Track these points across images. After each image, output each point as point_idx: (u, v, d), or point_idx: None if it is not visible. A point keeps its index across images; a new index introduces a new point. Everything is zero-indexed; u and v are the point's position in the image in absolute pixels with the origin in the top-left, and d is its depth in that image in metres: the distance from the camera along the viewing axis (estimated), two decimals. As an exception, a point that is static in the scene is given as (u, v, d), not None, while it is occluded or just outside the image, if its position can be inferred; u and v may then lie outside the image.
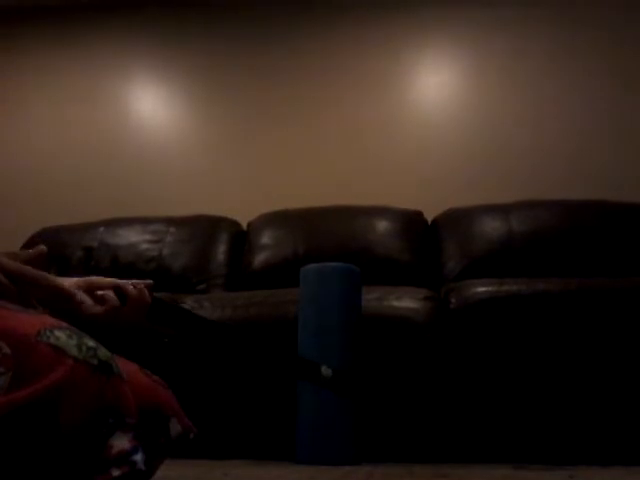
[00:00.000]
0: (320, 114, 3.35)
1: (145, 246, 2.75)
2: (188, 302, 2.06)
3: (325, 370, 1.35)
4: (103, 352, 0.71)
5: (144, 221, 2.88)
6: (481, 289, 1.96)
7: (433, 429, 1.86)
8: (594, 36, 3.18)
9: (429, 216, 2.80)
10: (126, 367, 0.82)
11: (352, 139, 3.30)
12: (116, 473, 0.66)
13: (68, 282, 0.95)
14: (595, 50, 3.17)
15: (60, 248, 2.73)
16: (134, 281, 1.08)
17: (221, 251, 2.78)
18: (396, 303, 1.95)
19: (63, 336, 0.69)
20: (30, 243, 2.73)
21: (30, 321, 0.70)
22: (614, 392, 1.83)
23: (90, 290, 1.02)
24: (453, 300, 1.95)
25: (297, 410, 1.70)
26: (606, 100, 3.11)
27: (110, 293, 1.06)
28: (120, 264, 2.68)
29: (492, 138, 3.16)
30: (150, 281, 1.10)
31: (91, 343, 0.71)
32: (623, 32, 3.16)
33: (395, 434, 1.86)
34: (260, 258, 2.68)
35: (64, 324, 0.73)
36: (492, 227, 2.59)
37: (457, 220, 2.71)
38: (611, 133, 3.07)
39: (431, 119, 3.26)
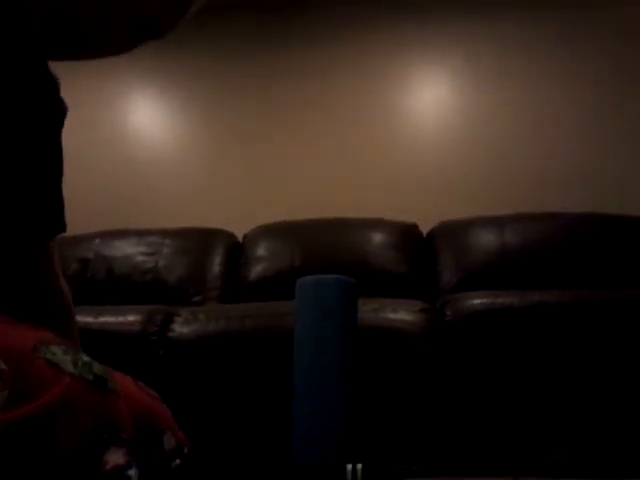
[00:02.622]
0: (316, 127, 3.36)
1: (141, 258, 2.75)
2: (183, 314, 2.05)
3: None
4: (98, 367, 0.71)
5: (140, 233, 2.88)
6: (476, 301, 1.96)
7: (430, 441, 1.85)
8: (592, 49, 3.20)
9: (424, 228, 2.80)
10: (120, 380, 0.82)
11: (348, 152, 3.31)
12: None
13: None
14: (595, 64, 3.18)
15: (55, 260, 2.72)
16: None
17: (217, 263, 2.78)
18: (392, 315, 1.95)
19: (59, 351, 0.69)
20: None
21: (25, 335, 0.70)
22: (611, 403, 1.83)
23: None
24: (448, 312, 1.95)
25: (292, 424, 1.70)
26: (603, 113, 3.12)
27: None
28: (116, 276, 2.68)
29: (488, 151, 3.17)
30: None
31: (86, 358, 0.71)
32: (623, 43, 3.17)
33: (391, 446, 1.86)
34: (256, 270, 2.68)
35: (59, 339, 0.73)
36: (487, 239, 2.60)
37: (452, 232, 2.71)
38: (607, 146, 3.08)
39: (427, 132, 3.27)
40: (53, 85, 0.95)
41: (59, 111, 0.96)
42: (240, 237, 2.94)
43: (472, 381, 1.86)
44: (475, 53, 3.30)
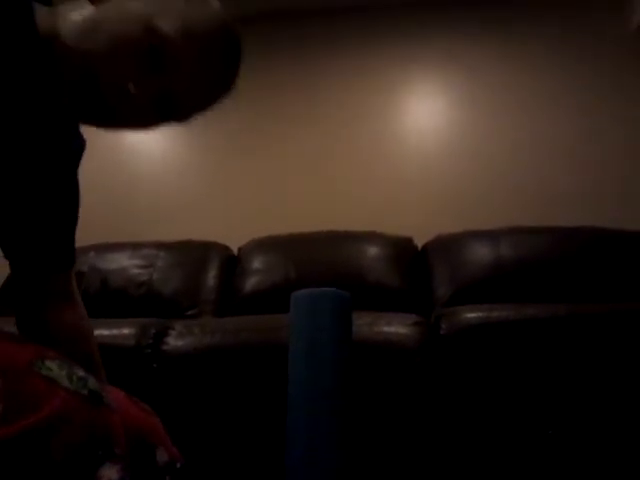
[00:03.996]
0: (312, 140, 3.38)
1: (135, 271, 2.74)
2: (178, 327, 2.05)
3: None
4: (92, 382, 0.71)
5: (134, 246, 2.87)
6: (471, 315, 1.96)
7: (424, 454, 1.85)
8: (592, 63, 3.22)
9: (419, 242, 2.81)
10: (114, 394, 0.82)
11: (343, 165, 3.32)
12: None
13: None
14: (595, 79, 3.21)
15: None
16: None
17: (212, 276, 2.78)
18: (386, 328, 1.95)
19: (54, 366, 0.69)
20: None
21: (21, 351, 0.71)
22: (607, 416, 1.82)
23: None
24: (443, 326, 1.95)
25: (287, 438, 1.69)
26: (602, 128, 3.15)
27: None
28: (110, 289, 2.67)
29: (484, 165, 3.19)
30: None
31: (81, 373, 0.71)
32: (623, 59, 3.20)
33: (385, 461, 1.85)
34: (251, 283, 2.68)
35: (53, 353, 0.73)
36: (481, 253, 2.61)
37: (447, 246, 2.72)
38: (605, 160, 3.10)
39: (422, 147, 3.29)
40: (75, 123, 0.99)
41: (79, 148, 1.04)
42: (235, 250, 2.94)
43: (467, 394, 1.86)
44: (473, 68, 3.33)
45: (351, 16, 3.46)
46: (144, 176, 3.43)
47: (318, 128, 3.39)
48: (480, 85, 3.31)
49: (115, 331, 1.97)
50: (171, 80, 0.82)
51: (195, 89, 0.86)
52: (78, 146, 1.04)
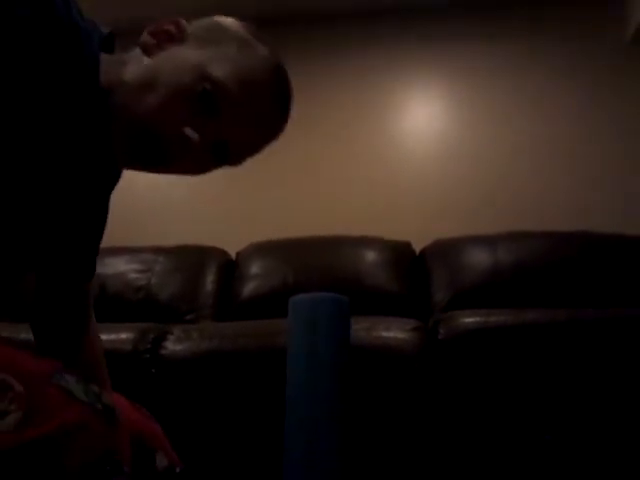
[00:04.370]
0: (310, 144, 3.38)
1: (133, 275, 2.74)
2: (176, 332, 2.05)
3: None
4: (106, 398, 0.73)
5: (133, 251, 2.87)
6: (469, 320, 1.97)
7: (422, 460, 1.85)
8: (591, 69, 3.24)
9: (417, 247, 2.81)
10: (116, 401, 0.82)
11: (341, 170, 3.33)
12: None
13: None
14: (594, 84, 3.22)
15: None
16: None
17: (210, 281, 2.78)
18: (385, 333, 1.95)
19: (72, 380, 0.72)
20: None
21: (42, 363, 0.74)
22: (604, 422, 1.83)
23: None
24: (441, 330, 1.96)
25: (284, 442, 1.69)
26: (601, 132, 3.16)
27: None
28: (108, 293, 2.67)
29: (482, 170, 3.20)
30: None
31: (96, 389, 0.74)
32: (621, 65, 3.22)
33: (384, 465, 1.85)
34: (249, 288, 2.68)
35: (72, 369, 0.75)
36: (479, 258, 2.61)
37: (445, 251, 2.72)
38: (604, 165, 3.11)
39: (420, 151, 3.29)
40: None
41: (117, 177, 1.08)
42: (233, 255, 2.94)
43: (465, 399, 1.86)
44: (472, 72, 3.34)
45: (350, 20, 3.47)
46: (141, 181, 3.43)
47: (316, 132, 3.39)
48: (479, 90, 3.32)
49: (113, 336, 1.97)
50: (226, 125, 0.86)
51: (249, 133, 0.90)
52: (116, 175, 1.08)
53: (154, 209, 3.39)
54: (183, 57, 0.86)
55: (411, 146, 3.31)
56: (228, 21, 0.92)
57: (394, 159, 3.29)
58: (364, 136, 3.35)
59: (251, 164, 3.52)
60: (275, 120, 0.93)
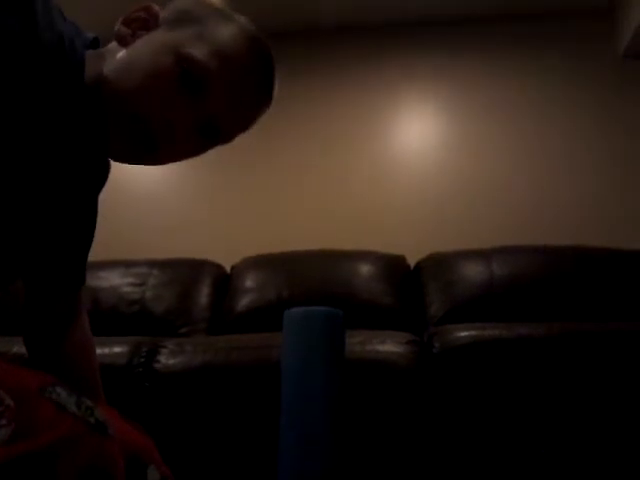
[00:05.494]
0: (304, 160, 3.39)
1: (127, 289, 2.73)
2: (170, 346, 2.04)
3: None
4: (99, 412, 0.72)
5: (127, 264, 2.86)
6: (464, 333, 1.96)
7: (418, 475, 1.84)
8: (587, 82, 3.26)
9: (412, 260, 2.81)
10: (107, 413, 0.82)
11: (335, 183, 3.33)
12: None
13: None
14: (590, 97, 3.25)
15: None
16: None
17: (204, 294, 2.77)
18: (379, 347, 1.95)
19: (64, 393, 0.72)
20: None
21: (32, 376, 0.73)
22: (599, 436, 1.82)
23: None
24: (436, 344, 1.95)
25: (279, 457, 1.68)
26: (597, 146, 3.18)
27: None
28: (102, 307, 2.66)
29: (477, 183, 3.21)
30: None
31: (89, 402, 0.73)
32: (617, 78, 3.24)
33: (379, 479, 1.84)
34: (243, 302, 2.67)
35: (62, 383, 0.74)
36: (474, 272, 2.61)
37: (439, 265, 2.72)
38: (599, 179, 3.12)
39: (415, 165, 3.30)
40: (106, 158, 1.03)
41: (104, 176, 1.10)
42: (228, 268, 2.94)
43: (460, 413, 1.85)
44: (468, 87, 3.36)
45: (347, 35, 3.49)
46: (136, 194, 3.43)
47: (312, 146, 3.40)
48: (475, 104, 3.34)
49: (107, 350, 1.96)
50: (212, 102, 0.86)
51: (235, 108, 0.90)
52: (104, 175, 1.10)
53: (148, 222, 3.39)
54: (158, 41, 0.86)
55: (406, 160, 3.32)
56: (193, 2, 0.92)
57: (389, 174, 3.30)
58: (360, 150, 3.36)
59: (247, 177, 3.52)
60: (261, 91, 0.93)
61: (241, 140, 3.21)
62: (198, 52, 0.84)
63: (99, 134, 0.86)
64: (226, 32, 0.88)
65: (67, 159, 0.88)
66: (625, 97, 3.20)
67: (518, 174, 3.19)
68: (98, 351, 1.93)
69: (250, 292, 2.70)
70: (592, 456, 1.81)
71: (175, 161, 0.93)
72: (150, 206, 3.42)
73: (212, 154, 3.34)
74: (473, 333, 1.96)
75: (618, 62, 3.23)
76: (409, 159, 3.32)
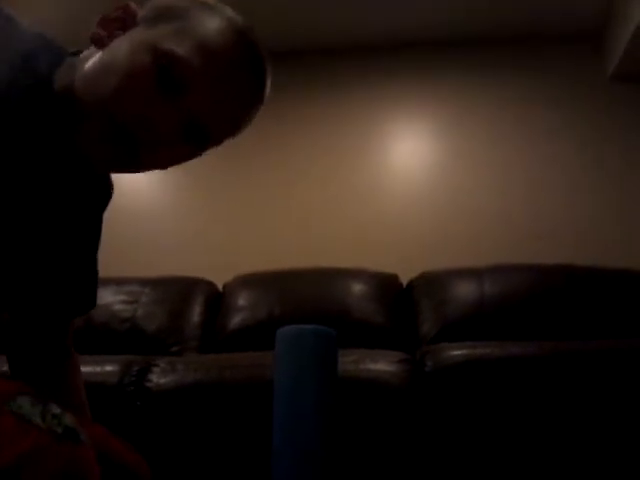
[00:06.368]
0: (297, 177, 3.40)
1: (119, 307, 2.72)
2: (161, 364, 2.03)
3: None
4: (68, 418, 0.70)
5: (119, 282, 2.85)
6: (456, 352, 1.97)
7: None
8: (569, 108, 3.30)
9: (404, 278, 2.82)
10: (96, 431, 0.81)
11: (329, 201, 3.34)
12: None
13: None
14: (576, 124, 3.29)
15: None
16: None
17: (196, 313, 2.76)
18: (372, 366, 1.95)
19: (27, 404, 0.68)
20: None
21: None
22: (592, 454, 1.82)
23: None
24: (429, 363, 1.95)
25: (272, 477, 1.67)
26: (585, 167, 3.20)
27: None
28: (94, 324, 2.64)
29: (469, 202, 3.22)
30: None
31: (56, 410, 0.70)
32: (603, 106, 3.28)
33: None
34: (235, 320, 2.67)
35: (27, 389, 0.72)
36: (466, 290, 2.62)
37: (432, 283, 2.73)
38: (590, 200, 3.15)
39: (407, 184, 3.32)
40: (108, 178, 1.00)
41: (107, 196, 1.06)
42: (220, 286, 2.93)
43: (453, 432, 1.85)
44: (459, 108, 3.39)
45: (338, 55, 3.51)
46: (128, 212, 3.43)
47: (305, 165, 3.41)
48: (466, 125, 3.37)
49: (98, 368, 1.95)
50: (195, 101, 0.79)
51: (222, 107, 0.83)
52: (106, 191, 1.05)
53: (140, 240, 3.38)
54: (135, 39, 0.80)
55: (399, 179, 3.33)
56: None
57: (382, 192, 3.31)
58: (352, 169, 3.38)
59: (238, 196, 3.51)
60: (251, 87, 0.85)
61: (236, 160, 3.21)
62: (179, 47, 0.78)
63: (79, 146, 0.81)
64: (210, 25, 0.81)
65: (54, 182, 0.85)
66: (611, 119, 3.24)
67: (511, 193, 3.21)
68: (89, 369, 1.92)
69: (242, 310, 2.69)
70: (585, 472, 1.81)
71: (162, 167, 0.87)
72: (141, 224, 3.42)
73: (204, 172, 3.34)
74: (465, 352, 1.96)
75: (607, 84, 3.27)
76: (402, 179, 3.34)
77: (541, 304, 2.50)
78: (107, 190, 1.04)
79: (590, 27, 3.29)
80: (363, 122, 3.44)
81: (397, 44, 3.47)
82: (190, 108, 0.79)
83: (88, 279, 1.06)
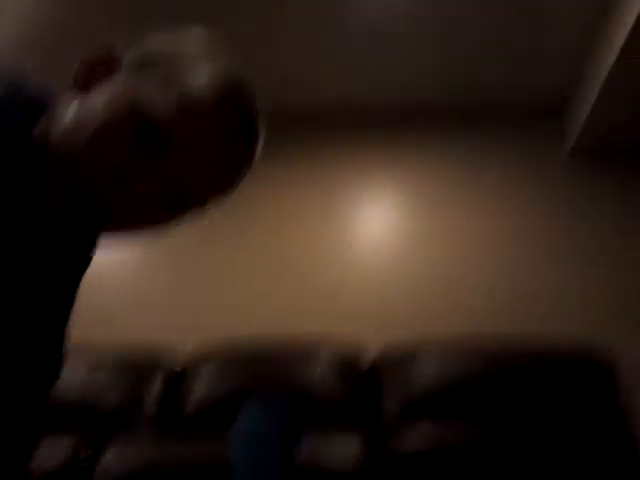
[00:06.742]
0: (259, 244, 3.38)
1: (75, 382, 2.59)
2: (116, 443, 1.92)
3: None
4: None
5: (75, 353, 2.73)
6: (418, 432, 1.94)
7: None
8: (527, 184, 3.38)
9: (369, 348, 2.80)
10: None
11: (294, 272, 3.31)
12: None
13: None
14: (536, 193, 3.36)
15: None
16: None
17: (154, 390, 2.67)
18: (333, 447, 1.90)
19: None
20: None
21: None
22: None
23: None
24: (391, 444, 1.91)
25: None
26: (541, 240, 3.25)
27: None
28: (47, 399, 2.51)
29: (431, 275, 3.23)
30: None
31: None
32: (555, 183, 3.37)
33: None
34: (194, 397, 2.60)
35: None
36: (429, 369, 2.62)
37: (395, 361, 2.72)
38: (540, 269, 3.18)
39: (369, 255, 3.32)
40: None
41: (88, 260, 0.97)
42: (180, 360, 2.84)
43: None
44: (424, 177, 3.45)
45: (308, 125, 3.55)
46: (87, 278, 3.33)
47: (266, 232, 3.39)
48: (430, 198, 3.41)
49: (50, 446, 1.84)
50: (176, 162, 0.72)
51: (207, 167, 0.75)
52: (86, 256, 0.96)
53: (98, 307, 3.27)
54: (115, 89, 0.74)
55: (363, 250, 3.33)
56: (170, 38, 0.79)
57: (346, 263, 3.30)
58: (318, 240, 3.37)
59: (198, 263, 3.44)
60: (239, 146, 0.78)
61: (197, 226, 3.13)
62: (161, 102, 0.71)
63: (50, 206, 0.75)
64: (200, 76, 0.74)
65: (26, 246, 0.79)
66: (569, 195, 3.32)
67: (473, 267, 3.23)
68: (41, 448, 1.80)
69: (201, 387, 2.63)
70: None
71: (137, 233, 0.78)
72: (101, 290, 3.32)
73: (166, 240, 3.24)
74: (427, 431, 1.93)
75: (566, 161, 3.37)
76: (367, 249, 3.34)
77: (500, 384, 2.51)
78: (88, 251, 0.95)
79: (550, 104, 3.40)
80: (327, 192, 3.46)
81: (365, 112, 3.53)
82: (171, 169, 0.72)
83: (55, 349, 0.96)
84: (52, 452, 1.86)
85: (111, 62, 0.77)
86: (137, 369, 2.73)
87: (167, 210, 0.77)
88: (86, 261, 0.95)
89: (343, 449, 1.90)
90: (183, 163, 0.73)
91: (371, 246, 3.34)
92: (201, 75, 0.74)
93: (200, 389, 2.62)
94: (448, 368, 2.59)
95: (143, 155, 0.71)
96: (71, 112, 0.74)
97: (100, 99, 0.73)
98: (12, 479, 0.84)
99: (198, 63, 0.76)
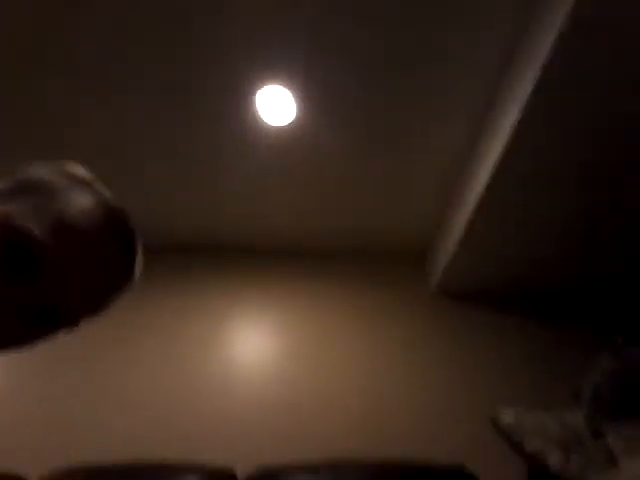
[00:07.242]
0: (129, 362, 3.26)
1: None
2: None
3: None
4: None
5: None
6: None
7: None
8: (395, 319, 3.55)
9: (241, 472, 2.68)
10: None
11: (164, 392, 3.19)
12: None
13: None
14: (397, 333, 3.52)
15: None
16: None
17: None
18: None
19: None
20: None
21: None
22: None
23: None
24: None
25: None
26: (399, 368, 3.37)
27: None
28: None
29: (303, 397, 3.22)
30: None
31: None
32: (421, 318, 3.57)
33: None
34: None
35: None
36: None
37: None
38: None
39: (244, 377, 3.28)
40: None
41: None
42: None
43: None
44: (299, 309, 3.54)
45: (189, 252, 3.61)
46: None
47: (138, 349, 3.29)
48: (305, 325, 3.48)
49: None
50: (50, 284, 0.72)
51: (82, 290, 0.76)
52: None
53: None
54: None
55: (236, 372, 3.29)
56: (47, 167, 0.79)
57: (218, 383, 3.23)
58: (190, 361, 3.30)
59: (63, 377, 3.26)
60: (115, 270, 0.79)
61: (73, 335, 3.02)
62: (35, 226, 0.71)
63: None
64: (76, 203, 0.75)
65: None
66: (435, 330, 3.51)
67: (348, 389, 3.26)
68: None
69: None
70: None
71: (12, 349, 0.76)
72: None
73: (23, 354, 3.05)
74: None
75: (430, 298, 3.59)
76: (239, 371, 3.29)
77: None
78: None
79: (414, 245, 3.68)
80: (203, 312, 3.46)
81: (247, 246, 3.67)
82: (41, 293, 0.73)
83: None
84: None
85: None
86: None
87: (36, 328, 0.76)
88: None
89: None
90: (58, 282, 0.73)
91: (243, 369, 3.32)
92: (79, 203, 0.76)
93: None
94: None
95: (10, 276, 0.70)
96: None
97: None
98: None
99: (76, 191, 0.77)
